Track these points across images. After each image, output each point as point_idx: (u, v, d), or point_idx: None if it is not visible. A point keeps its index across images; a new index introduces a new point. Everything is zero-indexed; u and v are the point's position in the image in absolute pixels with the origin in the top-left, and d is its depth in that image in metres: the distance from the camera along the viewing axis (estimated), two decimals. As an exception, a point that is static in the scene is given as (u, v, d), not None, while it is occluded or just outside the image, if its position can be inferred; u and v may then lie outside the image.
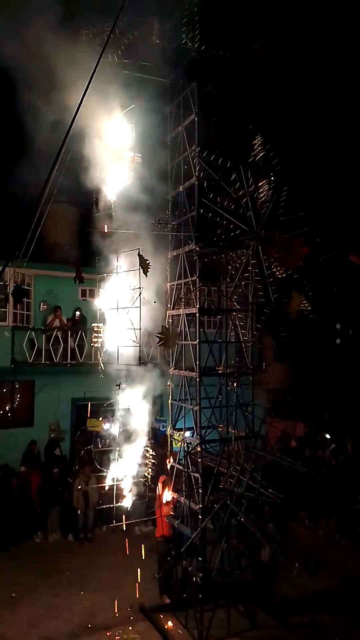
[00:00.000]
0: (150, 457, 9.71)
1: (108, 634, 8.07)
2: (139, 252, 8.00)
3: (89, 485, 11.94)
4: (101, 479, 11.67)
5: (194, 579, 8.12)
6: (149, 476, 9.68)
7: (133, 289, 8.88)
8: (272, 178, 8.26)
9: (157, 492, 9.54)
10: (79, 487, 11.90)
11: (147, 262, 7.96)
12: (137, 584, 9.39)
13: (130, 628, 8.27)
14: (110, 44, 7.82)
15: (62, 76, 8.41)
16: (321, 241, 8.01)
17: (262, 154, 8.42)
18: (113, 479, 9.60)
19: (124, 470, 9.71)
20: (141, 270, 7.94)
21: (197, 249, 8.58)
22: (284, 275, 8.06)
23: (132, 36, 8.48)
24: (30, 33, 8.29)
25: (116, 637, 8.03)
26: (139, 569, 9.22)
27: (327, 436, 15.04)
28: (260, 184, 8.41)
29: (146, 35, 8.74)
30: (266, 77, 9.42)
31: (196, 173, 8.52)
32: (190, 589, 8.33)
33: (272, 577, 8.73)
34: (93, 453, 12.71)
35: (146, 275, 8.08)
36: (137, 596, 9.02)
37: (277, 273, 8.10)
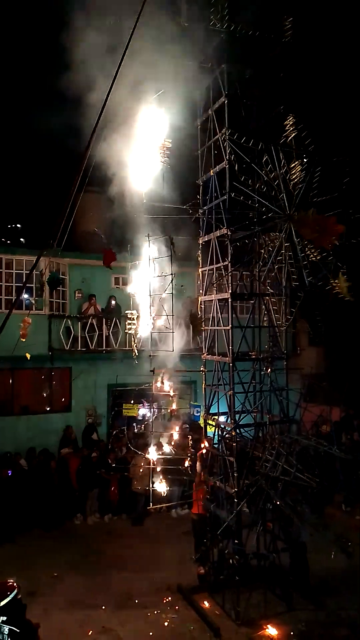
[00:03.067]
0: (190, 441, 9.82)
1: (148, 614, 8.26)
2: (170, 239, 8.01)
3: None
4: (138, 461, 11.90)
5: (231, 561, 8.20)
6: (188, 460, 9.80)
7: (165, 276, 8.92)
8: (305, 159, 8.10)
9: (196, 471, 9.63)
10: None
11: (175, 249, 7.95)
12: (174, 565, 9.58)
13: (169, 608, 8.44)
14: (138, 28, 7.77)
15: (92, 62, 8.44)
16: (356, 221, 7.82)
17: (294, 134, 8.26)
18: (149, 463, 9.75)
19: (160, 454, 9.85)
20: (172, 256, 7.95)
21: (229, 233, 8.52)
22: (318, 258, 7.93)
23: (159, 19, 8.40)
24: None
25: (154, 617, 8.20)
26: (175, 551, 9.37)
27: (365, 421, 14.84)
28: (292, 165, 8.26)
29: (173, 17, 8.63)
30: (297, 55, 9.19)
31: (227, 156, 8.43)
32: (227, 570, 8.42)
33: (305, 558, 8.72)
34: (128, 436, 12.95)
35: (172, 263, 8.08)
36: (175, 577, 9.19)
37: (312, 256, 7.97)
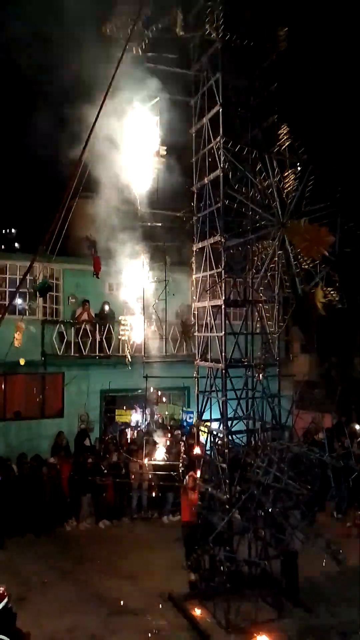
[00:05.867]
0: (182, 447, 9.84)
1: (138, 622, 8.22)
2: (162, 246, 8.06)
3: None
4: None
5: (222, 568, 8.20)
6: (180, 466, 9.81)
7: (158, 282, 8.96)
8: (298, 168, 8.18)
9: (185, 480, 9.64)
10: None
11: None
12: (165, 573, 9.55)
13: (159, 615, 8.40)
14: (134, 38, 7.88)
15: (86, 69, 8.51)
16: (348, 231, 7.90)
17: (287, 143, 8.34)
18: (141, 468, 9.76)
19: (152, 459, 9.86)
20: (165, 263, 8.00)
21: (223, 240, 8.57)
22: (311, 266, 8.00)
23: (155, 29, 8.49)
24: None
25: (144, 624, 8.17)
26: (167, 558, 9.34)
27: (358, 427, 14.89)
28: (286, 174, 8.34)
29: (169, 27, 8.72)
30: (291, 65, 9.30)
31: (221, 164, 8.50)
32: (218, 578, 8.41)
33: (296, 565, 8.73)
34: (120, 443, 12.94)
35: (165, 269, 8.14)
36: (166, 584, 9.16)
37: (304, 264, 8.04)
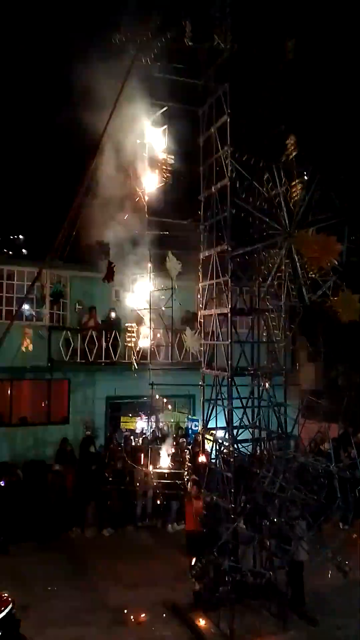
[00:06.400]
0: (187, 456, 9.81)
1: (142, 631, 8.17)
2: (168, 254, 8.09)
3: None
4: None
5: (227, 578, 8.15)
6: (185, 474, 9.78)
7: (165, 290, 8.98)
8: (305, 177, 8.20)
9: (189, 487, 9.61)
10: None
11: (179, 264, 8.04)
12: (169, 582, 9.50)
13: (163, 625, 8.35)
14: (144, 48, 7.96)
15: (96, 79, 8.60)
16: (356, 240, 7.90)
17: (295, 153, 8.37)
18: (146, 475, 9.74)
19: (156, 467, 9.83)
20: (172, 271, 8.03)
21: (229, 248, 8.59)
22: (318, 275, 7.99)
23: (164, 39, 8.57)
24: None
25: (148, 635, 8.12)
26: (171, 567, 9.30)
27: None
28: (293, 184, 8.36)
29: (178, 38, 8.80)
30: (299, 75, 9.35)
31: (228, 174, 8.53)
32: (223, 588, 8.36)
33: (301, 576, 8.66)
34: (125, 450, 12.92)
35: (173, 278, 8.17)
36: (170, 594, 9.11)
37: (311, 273, 8.04)
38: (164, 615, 8.66)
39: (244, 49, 8.61)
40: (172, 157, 9.06)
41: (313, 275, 8.00)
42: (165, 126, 9.28)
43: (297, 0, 9.59)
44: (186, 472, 10.33)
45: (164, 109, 9.16)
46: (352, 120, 15.41)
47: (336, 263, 7.64)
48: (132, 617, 8.56)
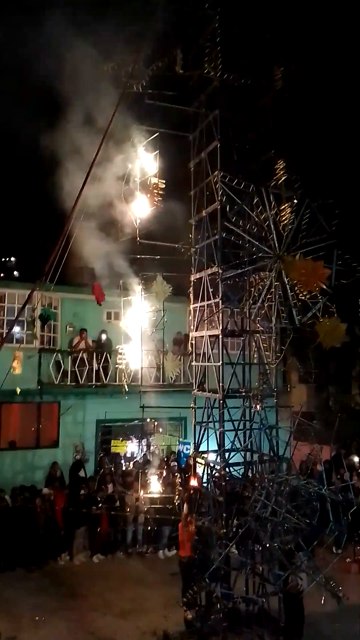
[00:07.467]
0: (178, 481, 9.70)
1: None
2: (157, 277, 8.14)
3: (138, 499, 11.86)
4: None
5: (218, 605, 7.99)
6: (176, 499, 9.65)
7: (156, 312, 9.00)
8: (295, 201, 8.34)
9: (182, 511, 9.47)
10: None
11: (170, 287, 8.09)
12: (160, 610, 9.29)
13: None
14: (135, 76, 8.13)
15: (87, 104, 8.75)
16: (345, 263, 8.00)
17: (284, 178, 8.52)
18: (137, 500, 9.60)
19: (147, 492, 9.71)
20: (163, 293, 8.07)
21: (220, 271, 8.66)
22: (308, 297, 8.06)
23: (155, 67, 8.77)
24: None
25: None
26: (162, 595, 9.12)
27: (356, 459, 14.72)
28: (282, 207, 8.49)
29: (169, 65, 9.01)
30: (288, 102, 9.58)
31: (219, 198, 8.65)
32: (215, 615, 8.19)
33: (302, 608, 8.50)
34: (116, 474, 12.75)
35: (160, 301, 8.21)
36: (161, 622, 8.91)
37: (301, 295, 8.11)
38: (155, 645, 8.46)
39: (234, 76, 8.82)
40: (164, 181, 9.18)
41: (303, 297, 8.07)
42: (157, 151, 9.43)
43: (285, 28, 9.86)
44: (177, 497, 10.19)
45: (155, 134, 9.32)
46: (340, 145, 15.76)
47: (324, 287, 7.72)
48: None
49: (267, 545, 7.64)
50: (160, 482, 12.11)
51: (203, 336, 9.31)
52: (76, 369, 14.05)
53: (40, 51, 8.89)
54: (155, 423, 15.46)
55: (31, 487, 12.29)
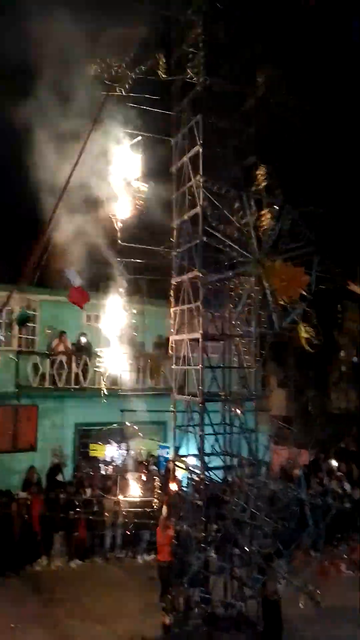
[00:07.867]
0: (157, 485, 9.67)
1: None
2: (139, 280, 8.12)
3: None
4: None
5: (196, 610, 7.98)
6: (155, 503, 9.62)
7: (136, 315, 8.97)
8: (275, 207, 8.41)
9: (161, 515, 9.44)
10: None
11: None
12: (138, 615, 9.23)
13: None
14: (118, 79, 8.13)
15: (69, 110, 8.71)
16: (324, 269, 8.10)
17: (265, 183, 8.59)
18: (115, 504, 9.54)
19: (126, 496, 9.65)
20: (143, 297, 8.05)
21: (201, 275, 8.68)
22: (287, 303, 8.14)
23: (138, 71, 8.78)
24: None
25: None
26: (140, 600, 9.06)
27: (334, 463, 14.88)
28: (262, 213, 8.56)
29: (153, 70, 9.03)
30: (270, 108, 9.68)
31: (200, 202, 8.68)
32: (193, 620, 8.17)
33: (279, 614, 8.53)
34: (94, 478, 12.65)
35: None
36: (139, 627, 8.85)
37: (281, 300, 8.18)
38: (133, 650, 8.40)
39: (216, 82, 8.88)
40: (146, 185, 9.18)
41: (282, 302, 8.14)
42: (140, 155, 9.42)
43: (269, 34, 9.96)
44: (156, 500, 10.15)
45: (138, 138, 9.31)
46: (322, 151, 15.94)
47: (304, 293, 7.81)
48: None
49: (246, 549, 7.66)
50: (140, 486, 12.06)
51: (183, 339, 9.31)
52: (55, 372, 13.91)
53: (19, 50, 8.79)
54: (135, 427, 15.38)
55: (7, 492, 12.10)
